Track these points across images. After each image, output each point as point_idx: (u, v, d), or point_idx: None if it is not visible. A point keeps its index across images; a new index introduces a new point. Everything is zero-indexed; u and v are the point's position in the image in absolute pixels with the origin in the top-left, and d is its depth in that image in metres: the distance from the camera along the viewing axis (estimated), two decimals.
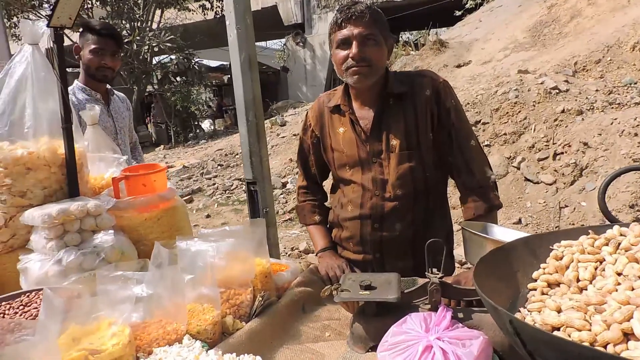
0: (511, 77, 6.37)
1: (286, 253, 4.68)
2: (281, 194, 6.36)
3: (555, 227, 4.54)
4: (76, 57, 2.32)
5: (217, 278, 1.18)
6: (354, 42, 1.40)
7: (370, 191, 1.51)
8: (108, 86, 2.50)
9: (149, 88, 15.17)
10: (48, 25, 1.37)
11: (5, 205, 1.36)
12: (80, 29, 2.33)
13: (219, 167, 8.63)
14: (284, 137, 8.65)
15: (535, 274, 0.84)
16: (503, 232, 1.26)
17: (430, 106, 1.47)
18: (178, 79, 14.38)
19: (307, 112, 1.68)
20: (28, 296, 1.17)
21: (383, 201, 1.49)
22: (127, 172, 1.63)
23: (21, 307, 1.12)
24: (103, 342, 0.86)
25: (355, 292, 1.17)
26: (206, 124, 17.41)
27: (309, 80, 17.17)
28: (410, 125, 1.47)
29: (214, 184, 7.61)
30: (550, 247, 0.87)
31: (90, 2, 13.29)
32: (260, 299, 1.23)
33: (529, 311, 0.74)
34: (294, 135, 8.08)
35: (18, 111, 1.41)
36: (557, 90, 5.78)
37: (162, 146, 13.77)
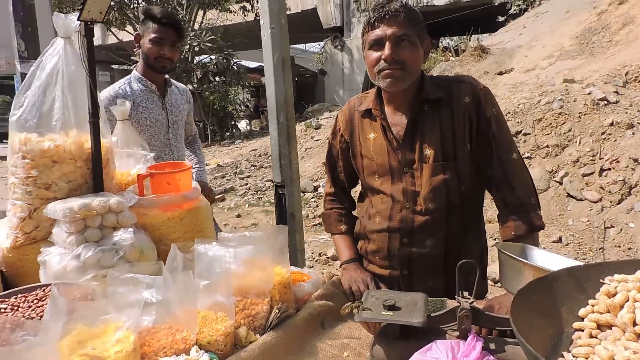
0: (556, 87, 6.09)
1: (313, 258, 4.62)
2: (312, 197, 6.31)
3: (600, 249, 4.28)
4: (136, 45, 2.25)
5: (233, 286, 1.13)
6: (387, 43, 1.32)
7: (400, 203, 1.42)
8: (167, 77, 2.40)
9: (189, 87, 15.48)
10: (79, 19, 1.36)
11: (31, 196, 1.36)
12: (142, 17, 2.27)
13: (252, 168, 8.68)
14: (318, 140, 8.60)
15: (582, 312, 0.73)
16: (544, 257, 1.15)
17: (469, 114, 1.37)
18: (217, 78, 14.61)
19: (337, 115, 1.61)
20: (44, 290, 1.16)
21: (413, 214, 1.40)
22: (152, 169, 1.61)
23: (35, 301, 1.11)
24: (106, 348, 0.82)
25: (378, 312, 1.09)
26: (242, 124, 17.61)
27: (345, 84, 17.10)
28: (446, 134, 1.38)
29: (246, 184, 7.65)
30: (601, 280, 0.76)
31: (136, 1, 13.70)
32: (277, 311, 1.17)
33: (574, 356, 0.64)
34: (327, 138, 8.04)
35: (48, 104, 1.40)
36: (606, 102, 5.47)
37: None
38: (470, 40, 10.34)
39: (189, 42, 13.02)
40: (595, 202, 4.72)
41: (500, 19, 11.98)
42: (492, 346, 1.06)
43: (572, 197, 4.84)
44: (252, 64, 16.74)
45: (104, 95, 2.18)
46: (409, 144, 1.40)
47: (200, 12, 15.00)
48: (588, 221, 4.61)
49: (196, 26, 14.90)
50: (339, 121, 1.58)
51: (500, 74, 7.93)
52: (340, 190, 1.66)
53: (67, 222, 1.27)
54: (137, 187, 1.53)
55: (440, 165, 1.37)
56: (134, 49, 2.30)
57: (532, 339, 0.64)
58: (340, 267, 1.58)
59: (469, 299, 1.10)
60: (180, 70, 13.57)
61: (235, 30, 15.68)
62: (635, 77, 6.32)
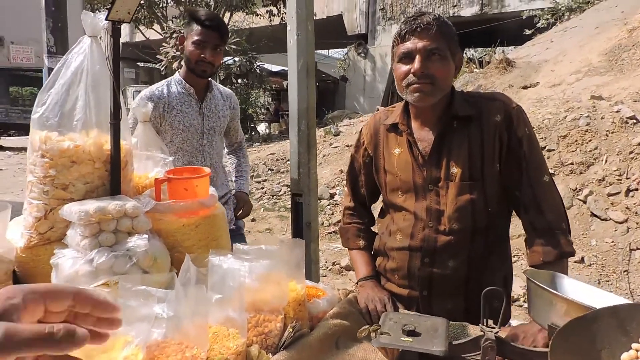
0: (582, 103, 5.94)
1: (327, 267, 4.57)
2: (328, 204, 6.27)
3: (624, 271, 4.14)
4: (180, 47, 2.21)
5: (246, 301, 1.09)
6: (417, 57, 1.28)
7: (423, 221, 1.36)
8: (211, 80, 2.33)
9: None
10: (106, 19, 1.34)
11: (47, 196, 1.34)
12: (187, 19, 2.22)
13: (269, 172, 8.68)
14: (336, 147, 8.56)
15: (625, 357, 0.67)
16: (576, 287, 1.09)
17: (500, 133, 1.31)
18: (239, 81, 14.71)
19: (362, 129, 1.56)
20: None
21: (437, 234, 1.35)
22: (170, 174, 1.58)
23: None
24: None
25: (397, 337, 1.04)
26: (262, 127, 17.69)
27: (367, 92, 17.06)
28: (475, 152, 1.32)
29: (262, 188, 7.64)
30: None
31: (165, 1, 13.90)
32: (291, 329, 1.12)
33: None
34: (347, 146, 7.98)
35: (71, 103, 1.39)
36: (635, 120, 5.31)
37: None
38: (495, 53, 10.20)
39: None
40: (621, 222, 4.57)
41: (528, 32, 11.81)
42: None
43: (596, 216, 4.70)
44: (275, 68, 16.83)
45: (142, 95, 2.15)
46: (435, 160, 1.35)
47: (227, 14, 15.16)
48: (612, 242, 4.47)
49: None
50: (363, 135, 1.54)
51: (525, 87, 7.79)
52: (360, 205, 1.61)
53: (82, 224, 1.25)
54: (154, 191, 1.51)
55: (467, 184, 1.32)
56: (177, 47, 2.35)
57: None
58: (356, 284, 1.53)
59: (493, 328, 1.04)
60: None
61: (260, 33, 15.80)
62: None
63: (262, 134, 16.54)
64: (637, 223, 4.48)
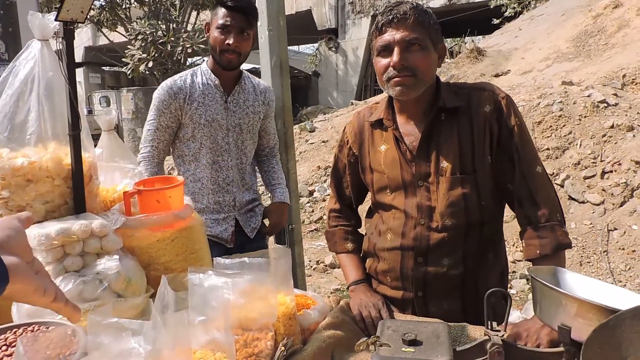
0: (554, 89, 6.01)
1: (311, 267, 4.49)
2: (307, 202, 6.19)
3: (604, 252, 4.20)
4: (206, 35, 1.98)
5: (232, 320, 1.00)
6: (396, 49, 1.21)
7: (414, 219, 1.30)
8: (244, 70, 2.08)
9: None
10: (56, 19, 1.22)
11: None
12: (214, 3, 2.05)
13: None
14: (312, 143, 8.47)
15: None
16: (580, 282, 1.03)
17: (490, 124, 1.25)
18: None
19: (345, 127, 1.48)
20: (15, 332, 1.01)
21: (429, 231, 1.28)
22: (140, 185, 1.47)
23: (4, 347, 0.97)
24: None
25: (397, 349, 0.97)
26: None
27: (340, 86, 17.02)
28: (464, 145, 1.25)
29: None
30: None
31: (128, 1, 13.52)
32: (283, 348, 1.03)
33: None
34: (323, 141, 7.91)
35: (22, 115, 1.26)
36: (606, 104, 5.41)
37: None
38: (465, 43, 10.30)
39: (181, 43, 12.86)
40: (598, 204, 4.65)
41: (496, 21, 11.96)
42: None
43: (574, 199, 4.76)
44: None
45: (164, 84, 1.98)
46: (424, 155, 1.28)
47: (194, 13, 14.86)
48: (591, 224, 4.53)
49: (190, 27, 14.75)
50: (347, 133, 1.46)
51: (497, 76, 7.87)
52: (346, 207, 1.54)
53: (43, 249, 1.13)
54: (124, 206, 1.40)
55: (458, 178, 1.25)
56: (206, 34, 1.98)
57: None
58: (347, 289, 1.45)
59: (499, 331, 0.98)
60: (173, 72, 13.41)
61: None
62: (633, 79, 6.27)
63: None
64: (613, 204, 4.56)
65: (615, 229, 4.38)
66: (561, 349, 0.93)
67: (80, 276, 1.14)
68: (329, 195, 6.25)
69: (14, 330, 1.02)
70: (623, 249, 4.25)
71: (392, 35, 1.21)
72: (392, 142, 1.33)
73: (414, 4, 1.24)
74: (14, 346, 0.96)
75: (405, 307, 1.37)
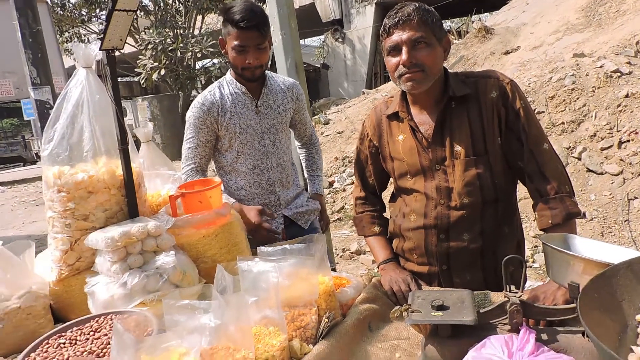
0: (566, 62, 6.00)
1: (337, 254, 4.63)
2: (328, 193, 6.32)
3: (625, 221, 4.23)
4: (222, 51, 1.97)
5: (281, 299, 1.14)
6: (404, 48, 1.33)
7: (434, 200, 1.42)
8: (268, 72, 2.08)
9: (194, 93, 15.58)
10: (100, 48, 1.37)
11: (70, 229, 1.39)
12: (222, 18, 1.93)
13: None
14: (328, 135, 8.59)
15: None
16: (587, 245, 1.15)
17: (498, 109, 1.37)
18: None
19: (364, 121, 1.61)
20: (97, 321, 1.18)
21: (449, 210, 1.41)
22: (182, 189, 1.63)
23: (91, 333, 1.13)
24: None
25: (428, 314, 1.10)
26: None
27: (349, 76, 17.04)
28: (476, 129, 1.37)
29: None
30: None
31: (135, 14, 13.76)
32: (327, 320, 1.18)
33: None
34: (339, 132, 8.02)
35: (76, 135, 1.42)
36: (619, 74, 5.38)
37: None
38: (472, 22, 10.22)
39: (190, 48, 13.06)
40: (616, 175, 4.66)
41: None
42: (544, 337, 1.06)
43: (592, 171, 4.78)
44: None
45: (195, 101, 2.00)
46: (438, 141, 1.40)
47: (199, 17, 15.05)
48: (610, 194, 4.56)
49: (196, 32, 14.95)
50: (366, 127, 1.59)
51: (507, 53, 7.84)
52: (371, 194, 1.67)
53: (109, 251, 1.29)
54: (170, 208, 1.55)
55: (472, 160, 1.37)
56: (223, 51, 1.96)
57: (602, 337, 0.64)
58: (377, 268, 1.59)
59: (516, 292, 1.10)
60: (184, 77, 13.65)
61: None
62: None
63: None
64: (632, 173, 4.57)
65: (636, 197, 4.40)
66: (573, 305, 1.05)
67: (143, 271, 1.30)
68: (348, 185, 6.39)
69: (96, 319, 1.18)
70: None
71: (399, 36, 1.34)
72: (408, 132, 1.45)
73: (417, 5, 1.36)
74: (100, 331, 1.12)
75: (432, 281, 1.50)
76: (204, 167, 2.01)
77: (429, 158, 1.42)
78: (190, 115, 1.97)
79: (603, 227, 4.30)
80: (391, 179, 1.60)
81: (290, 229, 2.06)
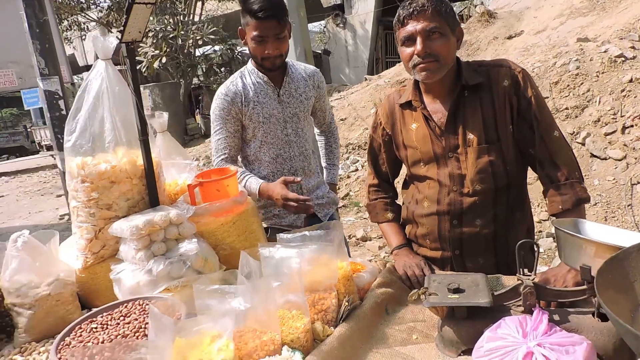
0: (570, 47, 5.98)
1: None
2: None
3: (628, 206, 4.28)
4: (242, 41, 1.96)
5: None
6: (418, 38, 1.36)
7: (447, 187, 1.46)
8: (289, 60, 2.06)
9: (195, 80, 15.52)
10: (121, 41, 1.40)
11: (94, 218, 1.43)
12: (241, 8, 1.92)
13: None
14: None
15: None
16: (596, 229, 1.19)
17: (510, 97, 1.40)
18: (223, 69, 14.57)
19: (377, 110, 1.65)
20: (126, 306, 1.23)
21: (461, 197, 1.45)
22: (200, 178, 1.67)
23: (122, 318, 1.18)
24: (211, 357, 0.89)
25: (444, 296, 1.15)
26: None
27: (351, 62, 16.93)
28: (488, 117, 1.41)
29: None
30: None
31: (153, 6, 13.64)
32: (347, 303, 1.23)
33: None
34: (342, 119, 8.02)
35: (97, 125, 1.45)
36: (623, 58, 5.37)
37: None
38: (475, 6, 10.14)
39: (191, 36, 12.98)
40: (620, 160, 4.69)
41: None
42: (556, 317, 1.11)
43: (595, 156, 4.81)
44: None
45: (219, 92, 2.00)
46: (451, 130, 1.44)
47: (199, 4, 14.92)
48: (614, 179, 4.59)
49: (196, 18, 14.84)
50: (379, 115, 1.62)
51: (510, 37, 7.80)
52: (384, 181, 1.71)
53: (134, 239, 1.34)
54: (189, 197, 1.59)
55: (484, 147, 1.41)
56: (243, 41, 1.94)
57: (617, 314, 0.69)
58: (391, 253, 1.63)
59: (529, 275, 1.14)
60: (185, 65, 13.59)
61: (236, 17, 15.54)
62: None
63: None
64: (635, 158, 4.60)
65: (639, 182, 4.43)
66: (584, 287, 1.09)
67: (167, 258, 1.35)
68: (352, 171, 6.42)
69: (125, 304, 1.23)
70: None
71: (413, 26, 1.36)
72: (421, 120, 1.48)
73: None
74: (129, 316, 1.17)
75: (444, 265, 1.54)
76: (234, 157, 2.02)
77: (442, 146, 1.45)
78: (215, 107, 1.98)
79: (607, 211, 4.35)
80: (404, 166, 1.64)
81: (310, 222, 2.05)
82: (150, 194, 1.51)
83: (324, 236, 1.31)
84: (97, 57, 1.51)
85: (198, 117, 16.34)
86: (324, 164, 2.33)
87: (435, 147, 1.46)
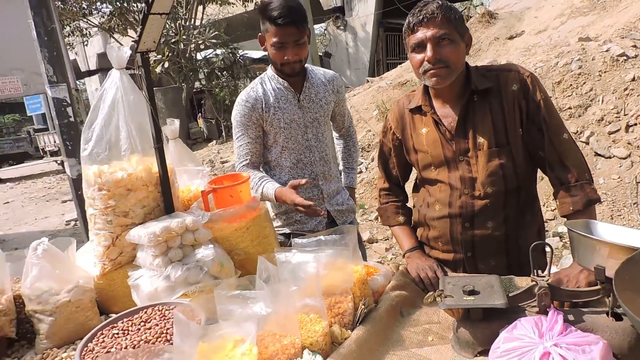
0: (571, 46, 6.00)
1: None
2: None
3: (634, 204, 4.29)
4: (262, 48, 1.97)
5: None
6: (428, 45, 1.38)
7: (458, 190, 1.48)
8: (309, 66, 2.07)
9: (197, 84, 15.57)
10: (136, 51, 1.42)
11: (112, 225, 1.45)
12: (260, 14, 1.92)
13: None
14: None
15: None
16: (608, 230, 1.20)
17: (519, 101, 1.42)
18: (224, 73, 14.61)
19: (387, 115, 1.67)
20: (146, 312, 1.24)
21: (473, 199, 1.47)
22: (213, 184, 1.69)
23: (142, 324, 1.20)
24: None
25: (460, 298, 1.16)
26: None
27: (352, 64, 16.97)
28: (497, 121, 1.43)
29: None
30: None
31: (136, 5, 13.72)
32: (363, 306, 1.25)
33: None
34: None
35: (113, 134, 1.48)
36: (625, 57, 5.38)
37: (214, 142, 14.13)
38: (476, 7, 10.16)
39: (193, 40, 13.04)
40: (624, 158, 4.70)
41: None
42: (571, 318, 1.13)
43: (600, 155, 4.82)
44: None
45: (239, 98, 2.01)
46: (462, 134, 1.46)
47: (200, 8, 14.98)
48: (619, 178, 4.60)
49: (197, 22, 14.90)
50: (390, 120, 1.64)
51: (511, 38, 7.82)
52: (394, 185, 1.73)
53: (151, 246, 1.36)
54: (202, 203, 1.61)
55: (495, 151, 1.43)
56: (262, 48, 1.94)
57: (635, 313, 0.71)
58: (403, 256, 1.65)
59: (544, 277, 1.16)
60: (187, 69, 13.64)
61: (237, 21, 15.62)
62: None
63: None
64: (639, 156, 4.61)
65: None
66: (598, 287, 1.11)
67: (184, 264, 1.37)
68: (357, 173, 6.43)
69: (145, 310, 1.25)
70: None
71: (423, 33, 1.39)
72: (432, 125, 1.51)
73: (440, 2, 1.40)
74: (150, 322, 1.19)
75: (457, 267, 1.56)
76: (255, 162, 2.02)
77: (452, 150, 1.48)
78: (236, 113, 1.98)
79: (612, 210, 4.36)
80: (414, 170, 1.66)
81: (333, 226, 2.06)
82: (166, 200, 1.53)
83: (339, 240, 1.33)
84: (98, 63, 1.53)
85: (200, 121, 16.39)
86: (341, 168, 2.33)
87: (445, 151, 1.48)
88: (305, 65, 2.01)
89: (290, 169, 2.03)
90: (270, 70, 2.04)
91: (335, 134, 2.35)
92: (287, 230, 2.09)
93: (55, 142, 14.31)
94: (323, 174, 2.07)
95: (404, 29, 1.46)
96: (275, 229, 2.08)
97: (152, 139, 1.51)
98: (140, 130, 1.51)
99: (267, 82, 2.02)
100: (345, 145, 2.34)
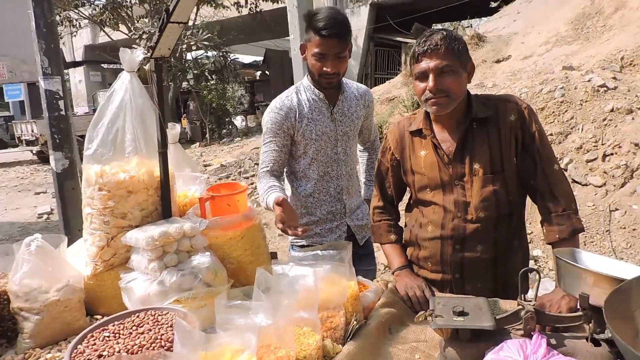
0: (556, 74, 6.20)
1: None
2: None
3: (606, 231, 4.44)
4: (302, 56, 1.95)
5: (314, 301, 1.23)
6: (431, 75, 1.44)
7: (451, 213, 1.53)
8: (343, 79, 2.04)
9: (184, 84, 15.46)
10: (151, 57, 1.44)
11: (108, 226, 1.45)
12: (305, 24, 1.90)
13: (256, 166, 8.76)
14: None
15: None
16: (593, 259, 1.27)
17: (515, 131, 1.49)
18: (214, 76, 14.55)
19: (387, 135, 1.72)
20: (138, 316, 1.24)
21: (465, 223, 1.52)
22: (210, 191, 1.70)
23: (134, 328, 1.19)
24: None
25: (450, 319, 1.21)
26: (238, 120, 17.63)
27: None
28: (494, 149, 1.49)
29: (251, 184, 7.73)
30: None
31: (129, 1, 13.59)
32: (355, 322, 1.28)
33: None
34: None
35: (119, 135, 1.48)
36: (605, 88, 5.60)
37: (197, 144, 14.01)
38: (464, 28, 10.41)
39: (185, 41, 12.97)
40: (600, 186, 4.87)
41: (493, 4, 12.04)
42: (552, 341, 1.18)
43: (577, 182, 4.98)
44: (247, 59, 16.65)
45: (273, 105, 2.00)
46: (459, 159, 1.52)
47: (194, 9, 14.91)
48: (594, 205, 4.76)
49: (190, 23, 14.83)
50: (389, 140, 1.69)
51: (498, 61, 8.04)
52: (389, 204, 1.77)
53: (148, 249, 1.36)
54: (199, 209, 1.62)
55: (490, 177, 1.49)
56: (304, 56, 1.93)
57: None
58: (392, 273, 1.69)
59: (530, 301, 1.21)
60: (176, 69, 13.55)
61: (230, 25, 15.59)
62: (631, 61, 6.46)
63: (241, 128, 16.48)
64: (614, 185, 4.79)
65: (617, 209, 4.61)
66: (580, 313, 1.17)
67: (179, 270, 1.38)
68: None
69: (136, 314, 1.25)
70: (624, 228, 4.48)
71: (427, 63, 1.45)
72: (430, 148, 1.56)
73: (444, 34, 1.47)
74: (142, 326, 1.19)
75: (444, 288, 1.61)
76: (276, 171, 1.98)
77: (449, 174, 1.53)
78: (268, 119, 1.96)
79: (586, 236, 4.50)
80: (408, 190, 1.71)
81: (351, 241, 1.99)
82: (165, 205, 1.54)
83: (335, 256, 1.36)
84: (85, 55, 1.52)
85: (184, 122, 16.24)
86: (363, 180, 2.33)
87: (442, 174, 1.54)
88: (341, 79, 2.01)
89: (317, 181, 2.02)
90: (306, 80, 2.02)
91: (359, 147, 2.35)
92: (304, 243, 2.08)
93: (32, 131, 13.90)
94: (347, 188, 2.06)
95: (409, 57, 1.52)
96: (294, 240, 2.11)
97: (157, 143, 1.52)
98: (146, 134, 1.52)
99: (303, 91, 2.01)
100: (369, 158, 2.34)
